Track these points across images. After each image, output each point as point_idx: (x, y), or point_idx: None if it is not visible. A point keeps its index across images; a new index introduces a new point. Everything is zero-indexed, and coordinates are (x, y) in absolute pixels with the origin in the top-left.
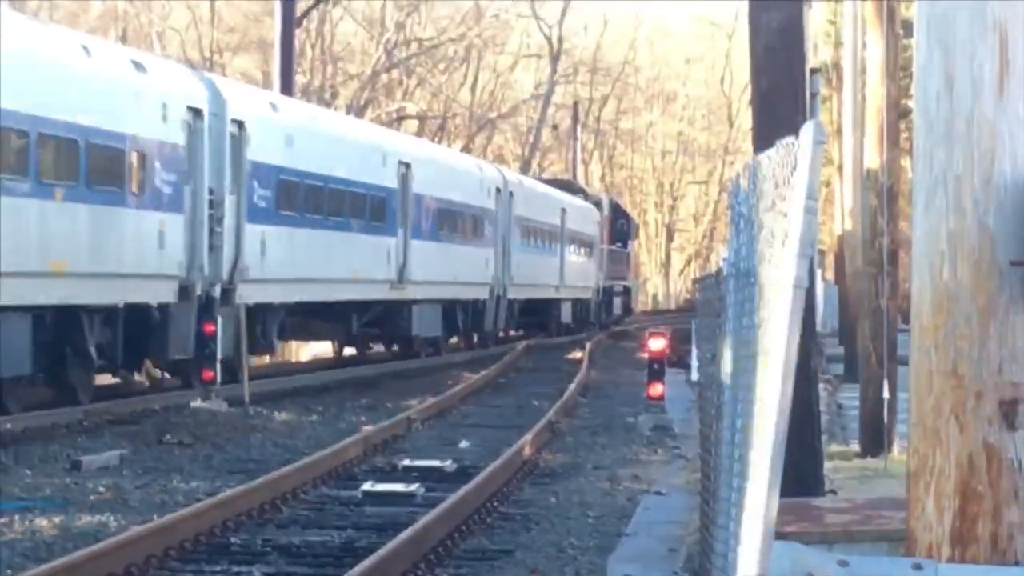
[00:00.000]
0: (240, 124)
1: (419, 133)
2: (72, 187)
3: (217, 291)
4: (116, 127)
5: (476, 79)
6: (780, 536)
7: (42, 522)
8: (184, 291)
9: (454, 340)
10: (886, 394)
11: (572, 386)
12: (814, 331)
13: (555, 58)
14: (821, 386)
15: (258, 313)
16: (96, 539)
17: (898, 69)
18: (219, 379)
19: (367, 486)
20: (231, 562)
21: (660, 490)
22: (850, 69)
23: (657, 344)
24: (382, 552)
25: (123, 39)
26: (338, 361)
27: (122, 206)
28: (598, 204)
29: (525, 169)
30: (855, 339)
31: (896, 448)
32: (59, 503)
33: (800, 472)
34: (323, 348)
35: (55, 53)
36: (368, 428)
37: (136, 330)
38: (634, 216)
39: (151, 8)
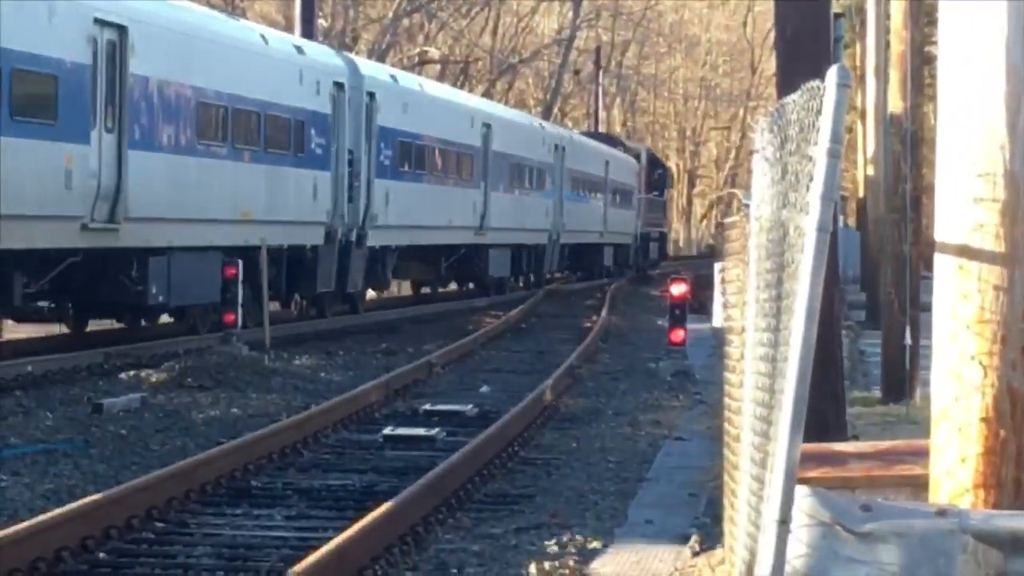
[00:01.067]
0: (372, 95)
1: (440, 77)
2: (255, 151)
3: (354, 235)
4: (285, 101)
5: (498, 23)
6: (802, 481)
7: (63, 465)
8: (329, 235)
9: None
10: (908, 341)
11: (593, 332)
12: (837, 277)
13: (577, 2)
14: (843, 332)
15: (380, 254)
16: (117, 482)
17: (923, 15)
18: (240, 323)
19: (388, 430)
20: (252, 505)
21: (681, 436)
22: (873, 14)
23: (679, 289)
24: (403, 495)
25: None
26: (418, 298)
27: (289, 166)
28: (637, 156)
29: (547, 115)
30: (877, 286)
31: (918, 394)
32: (80, 445)
33: (822, 418)
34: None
35: (242, 41)
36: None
37: (293, 268)
38: (670, 166)
39: None
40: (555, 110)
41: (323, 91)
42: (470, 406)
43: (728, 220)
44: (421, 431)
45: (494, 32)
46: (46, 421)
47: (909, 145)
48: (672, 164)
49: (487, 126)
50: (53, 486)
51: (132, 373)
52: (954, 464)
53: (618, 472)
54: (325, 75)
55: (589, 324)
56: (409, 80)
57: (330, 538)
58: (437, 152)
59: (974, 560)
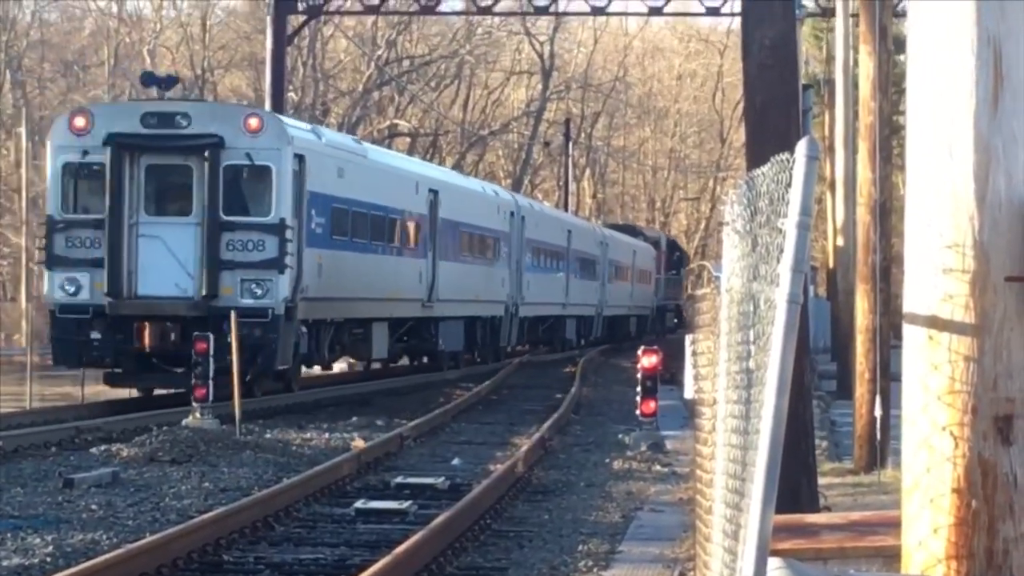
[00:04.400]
0: (301, 158)
1: (411, 150)
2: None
3: (282, 308)
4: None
5: (468, 96)
6: (775, 553)
7: (34, 540)
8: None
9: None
10: (878, 411)
11: (565, 403)
12: (807, 348)
13: (547, 75)
14: (814, 402)
15: (313, 329)
16: (88, 557)
17: (890, 85)
18: (211, 397)
19: (360, 503)
20: None
21: (654, 507)
22: (841, 85)
23: (650, 360)
24: (375, 569)
25: (115, 57)
26: (360, 375)
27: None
28: (656, 242)
29: (517, 186)
30: (848, 355)
31: (889, 464)
32: (51, 521)
33: (795, 488)
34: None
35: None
36: (360, 444)
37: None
38: (687, 250)
39: (143, 27)
40: (525, 181)
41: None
42: (442, 479)
43: (699, 292)
44: (393, 504)
45: (464, 105)
46: (16, 496)
47: (878, 215)
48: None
49: (434, 192)
50: (24, 561)
51: (103, 448)
52: (926, 535)
53: (591, 543)
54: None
55: (560, 395)
56: (344, 141)
57: None
58: (376, 219)
59: None
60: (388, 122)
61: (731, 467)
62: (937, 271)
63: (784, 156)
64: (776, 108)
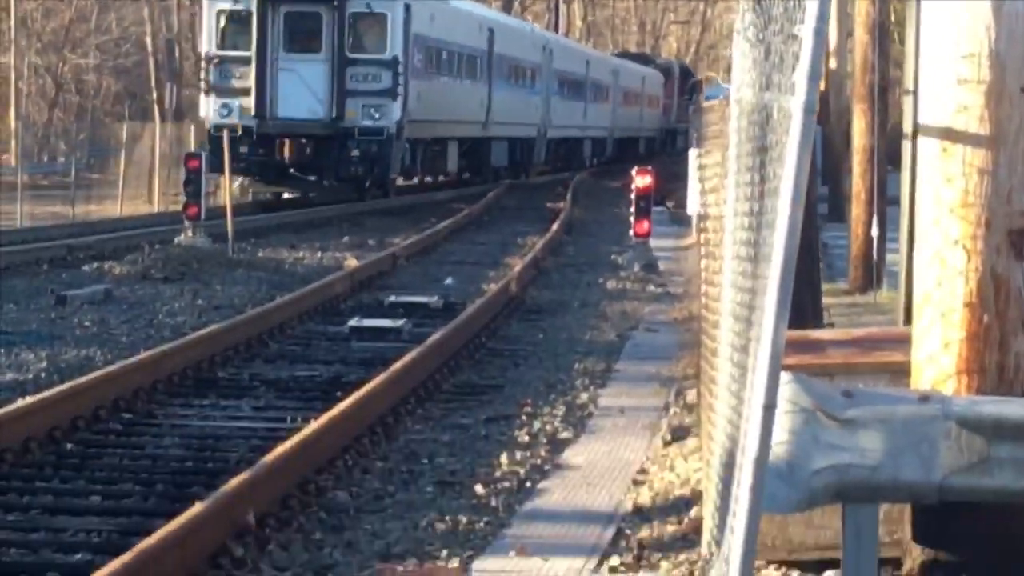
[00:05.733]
0: (408, 7)
1: None
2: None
3: (394, 128)
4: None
5: None
6: (781, 368)
7: (28, 355)
8: None
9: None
10: (875, 231)
11: (556, 223)
12: (814, 164)
13: None
14: None
15: (413, 146)
16: (83, 372)
17: None
18: (203, 215)
19: (354, 321)
20: (219, 396)
21: (649, 327)
22: None
23: (643, 180)
24: (371, 386)
25: None
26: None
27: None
28: (668, 69)
29: (507, 9)
30: (839, 178)
31: (885, 285)
32: (45, 337)
33: (799, 305)
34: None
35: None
36: (353, 263)
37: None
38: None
39: None
40: (515, 3)
41: None
42: (435, 298)
43: (705, 104)
44: (387, 322)
45: None
46: (9, 313)
47: (876, 35)
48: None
49: (490, 30)
50: (19, 376)
51: (95, 265)
52: (937, 350)
53: (586, 363)
54: None
55: (552, 216)
56: None
57: (298, 428)
58: (455, 55)
59: (957, 446)
60: None
61: (740, 280)
62: (952, 82)
63: None
64: None
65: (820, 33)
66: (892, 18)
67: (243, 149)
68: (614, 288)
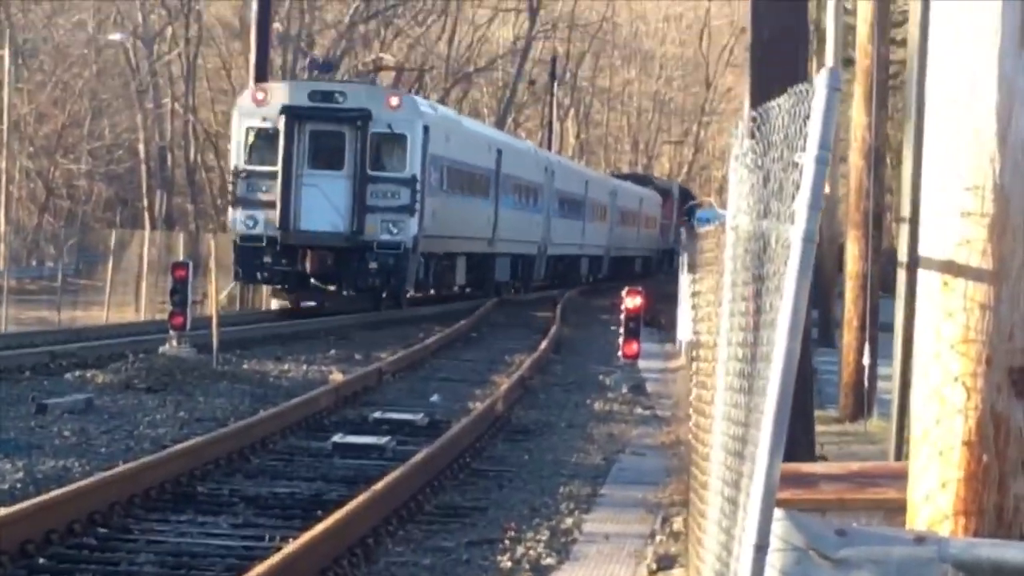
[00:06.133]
0: (426, 128)
1: (395, 85)
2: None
3: (411, 243)
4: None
5: (454, 32)
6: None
7: (5, 465)
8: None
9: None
10: (867, 359)
11: (545, 342)
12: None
13: (534, 12)
14: None
15: (427, 260)
16: (60, 484)
17: (889, 28)
18: (189, 324)
19: (337, 437)
20: (197, 511)
21: (636, 450)
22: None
23: (633, 301)
24: (352, 505)
25: None
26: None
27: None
28: (668, 190)
29: (500, 125)
30: (829, 303)
31: (875, 414)
32: (23, 446)
33: (791, 436)
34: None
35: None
36: (338, 378)
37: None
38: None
39: None
40: (509, 120)
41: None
42: (421, 415)
43: (702, 230)
44: (371, 440)
45: (450, 40)
46: None
47: (872, 161)
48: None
49: (499, 151)
50: None
51: (78, 373)
52: (934, 489)
53: (572, 486)
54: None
55: (540, 335)
56: (448, 113)
57: (277, 548)
58: (466, 174)
59: None
60: (373, 56)
61: (733, 412)
62: (955, 214)
63: (803, 87)
64: (784, 42)
65: (822, 161)
66: (888, 143)
67: (267, 259)
68: (601, 410)
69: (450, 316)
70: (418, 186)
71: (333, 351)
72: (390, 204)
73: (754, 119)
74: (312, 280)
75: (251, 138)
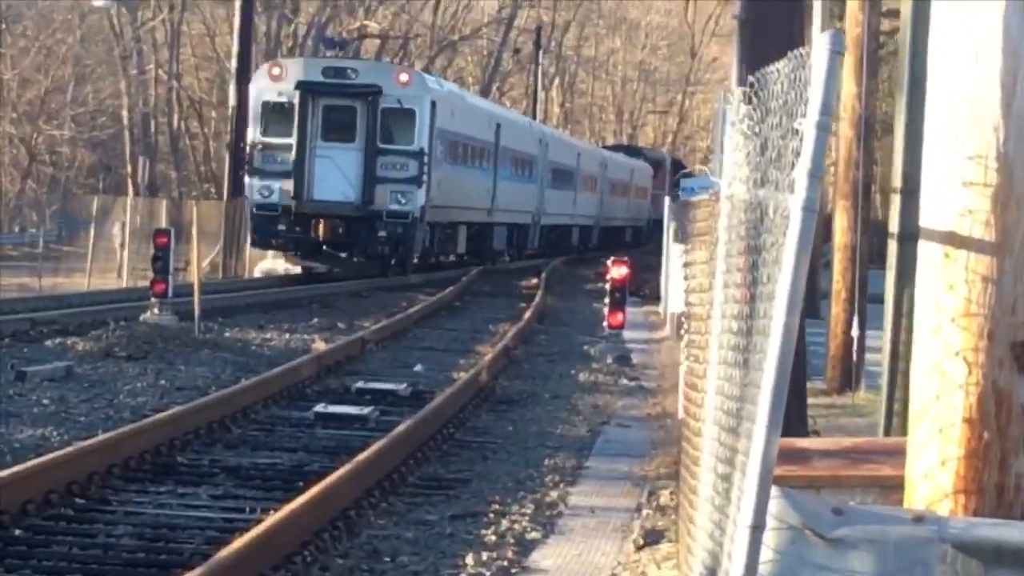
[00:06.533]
0: (433, 103)
1: (380, 52)
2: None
3: (419, 213)
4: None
5: (439, 0)
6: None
7: None
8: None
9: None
10: (855, 331)
11: (529, 312)
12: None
13: None
14: None
15: (433, 229)
16: (37, 453)
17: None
18: (171, 292)
19: (319, 407)
20: (177, 482)
21: (621, 422)
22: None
23: (619, 271)
24: (334, 477)
25: None
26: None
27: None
28: (660, 161)
29: (485, 94)
30: (814, 274)
31: (863, 386)
32: (1, 415)
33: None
34: (272, 266)
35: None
36: (321, 347)
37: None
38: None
39: None
40: (493, 89)
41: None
42: (404, 385)
43: (694, 198)
44: (353, 410)
45: (435, 8)
46: None
47: (862, 130)
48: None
49: (498, 124)
50: None
51: (58, 340)
52: (933, 467)
53: (557, 458)
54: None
55: (524, 304)
56: (453, 89)
57: (257, 520)
58: (469, 147)
59: (952, 571)
60: (358, 23)
61: (726, 387)
62: (957, 184)
63: (803, 51)
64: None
65: (824, 127)
66: (875, 115)
67: (281, 227)
68: (586, 380)
69: (434, 284)
70: (425, 159)
71: (316, 320)
72: (399, 176)
73: (751, 84)
74: (324, 247)
75: (267, 112)
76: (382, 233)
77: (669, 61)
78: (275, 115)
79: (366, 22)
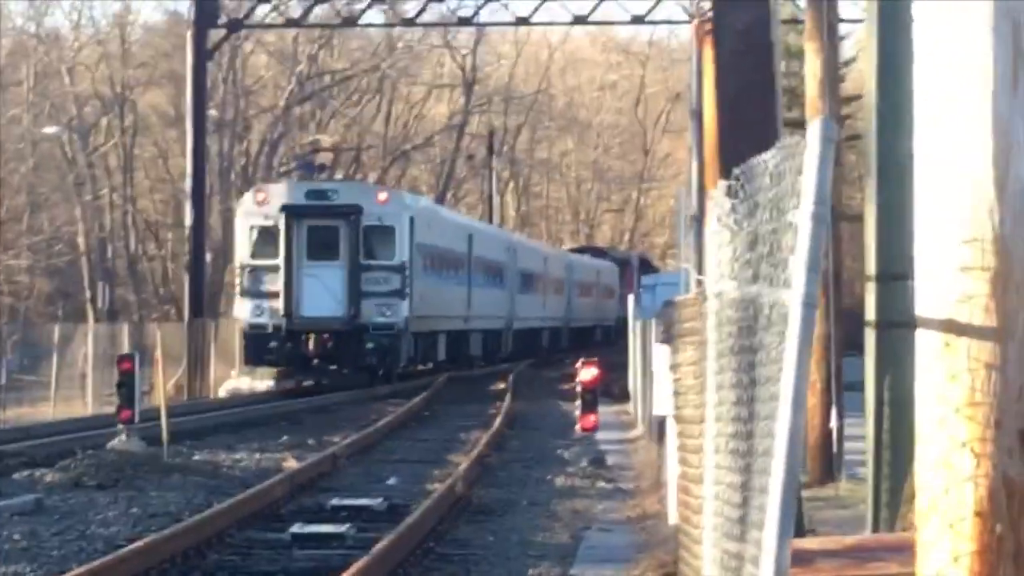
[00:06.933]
0: (412, 219)
1: (333, 165)
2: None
3: (403, 324)
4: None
5: (390, 110)
6: None
7: None
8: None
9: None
10: (834, 422)
11: (499, 417)
12: None
13: (469, 88)
14: None
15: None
16: None
17: (838, 82)
18: (137, 417)
19: (296, 528)
20: None
21: (603, 526)
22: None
23: (589, 373)
24: None
25: (34, 76)
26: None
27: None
28: (627, 260)
29: (440, 200)
30: None
31: (844, 477)
32: None
33: None
34: (237, 384)
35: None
36: (292, 465)
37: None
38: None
39: (61, 45)
40: (449, 196)
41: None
42: (379, 500)
43: (679, 298)
44: (330, 528)
45: (386, 119)
46: None
47: (829, 221)
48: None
49: (470, 235)
50: None
51: (26, 473)
52: (945, 564)
53: (540, 568)
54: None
55: (493, 410)
56: (428, 204)
57: None
58: (445, 259)
59: None
60: (311, 138)
61: (726, 492)
62: (954, 269)
63: (794, 139)
64: (751, 97)
65: (820, 218)
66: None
67: (273, 344)
68: (563, 485)
69: (401, 395)
70: (407, 272)
71: (285, 437)
72: (383, 289)
73: (736, 178)
74: (315, 361)
75: (254, 235)
76: (370, 345)
77: (622, 159)
78: (261, 238)
79: (318, 136)
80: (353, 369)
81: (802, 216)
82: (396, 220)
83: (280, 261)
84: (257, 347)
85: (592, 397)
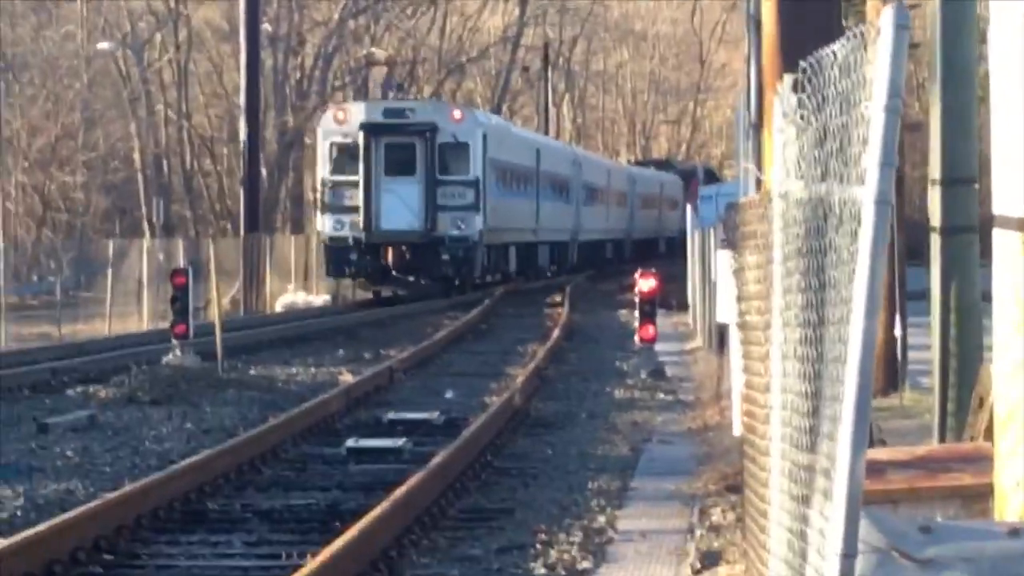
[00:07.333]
0: (485, 136)
1: (388, 78)
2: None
3: (477, 237)
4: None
5: (444, 23)
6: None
7: (4, 491)
8: None
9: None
10: (898, 330)
11: (556, 330)
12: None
13: (523, 0)
14: None
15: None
16: (62, 509)
17: None
18: (192, 332)
19: (351, 442)
20: (208, 531)
21: (664, 438)
22: None
23: (648, 284)
24: (371, 516)
25: None
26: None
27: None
28: (692, 171)
29: (496, 112)
30: None
31: (908, 386)
32: (24, 470)
33: None
34: (293, 299)
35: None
36: (348, 379)
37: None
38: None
39: None
40: (504, 108)
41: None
42: (436, 413)
43: (742, 200)
44: (387, 442)
45: (441, 32)
46: None
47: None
48: (624, 159)
49: (538, 151)
50: None
51: (80, 389)
52: (1022, 474)
53: (600, 481)
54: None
55: (551, 323)
56: (500, 121)
57: (295, 567)
58: (515, 173)
59: None
60: (365, 51)
61: (795, 402)
62: None
63: (860, 29)
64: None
65: (894, 110)
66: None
67: (353, 256)
68: (622, 397)
69: (458, 308)
70: (481, 187)
71: (341, 351)
72: (458, 203)
73: (803, 71)
74: (393, 273)
75: (334, 152)
76: (446, 256)
77: (678, 70)
78: (341, 155)
79: (372, 49)
80: (430, 280)
81: (875, 108)
82: (470, 137)
83: (360, 177)
84: (338, 260)
85: (651, 308)
